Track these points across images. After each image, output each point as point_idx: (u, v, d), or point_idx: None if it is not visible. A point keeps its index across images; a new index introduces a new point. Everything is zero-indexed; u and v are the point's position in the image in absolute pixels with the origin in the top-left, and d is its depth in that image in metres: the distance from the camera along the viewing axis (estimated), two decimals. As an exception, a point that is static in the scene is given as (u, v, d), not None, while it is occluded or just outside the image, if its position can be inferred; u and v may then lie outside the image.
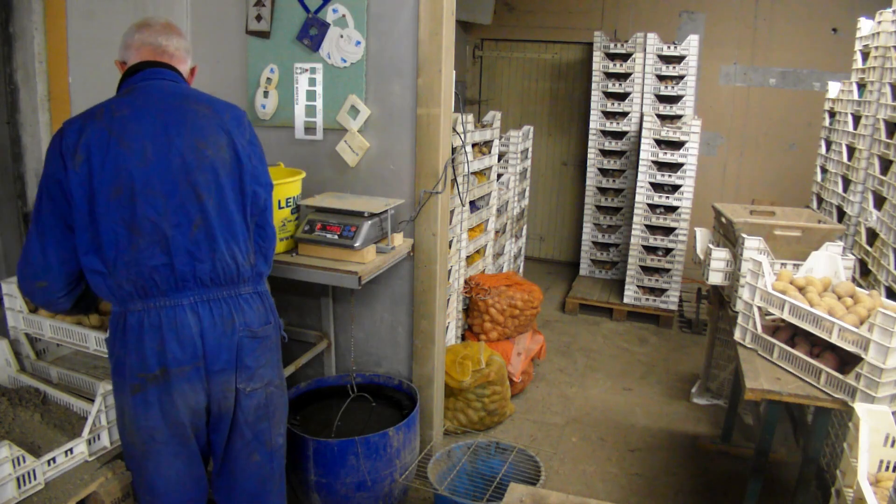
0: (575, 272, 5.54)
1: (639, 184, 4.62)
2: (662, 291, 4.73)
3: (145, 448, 1.67)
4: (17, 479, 1.78)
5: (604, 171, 5.19)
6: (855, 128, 2.91)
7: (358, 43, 2.60)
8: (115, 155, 1.54)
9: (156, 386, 1.61)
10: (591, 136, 5.13)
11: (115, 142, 1.55)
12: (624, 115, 5.01)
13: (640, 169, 4.60)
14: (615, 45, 4.93)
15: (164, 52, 1.71)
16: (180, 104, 1.62)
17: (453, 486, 2.45)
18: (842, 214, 2.93)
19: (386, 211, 2.45)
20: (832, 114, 3.33)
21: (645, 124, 4.55)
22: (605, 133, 5.11)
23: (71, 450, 1.95)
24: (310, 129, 2.74)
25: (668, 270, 4.67)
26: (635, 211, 4.66)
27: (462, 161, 3.16)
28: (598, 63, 5.00)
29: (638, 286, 4.78)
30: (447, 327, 3.19)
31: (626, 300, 4.81)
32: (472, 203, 3.67)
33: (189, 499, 1.76)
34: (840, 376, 1.91)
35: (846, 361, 1.97)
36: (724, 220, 2.70)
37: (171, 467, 1.70)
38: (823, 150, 3.37)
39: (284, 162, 2.74)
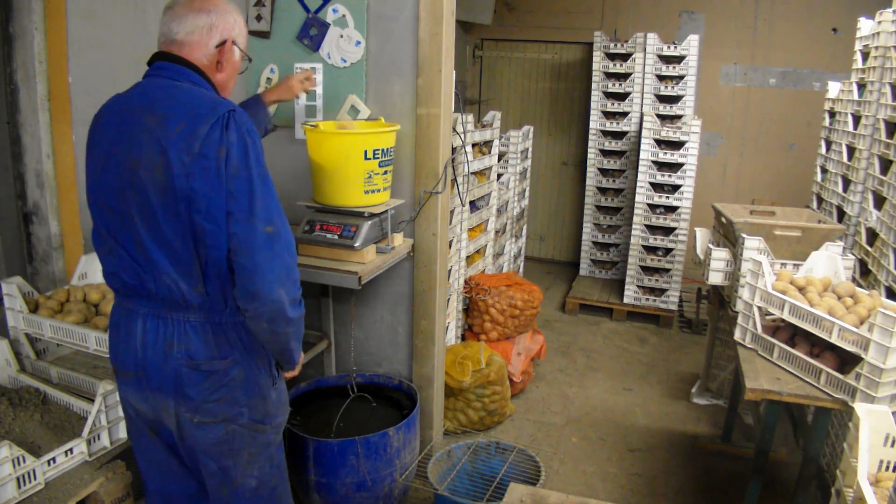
0: (575, 272, 5.54)
1: (639, 184, 4.62)
2: (662, 291, 4.73)
3: (128, 423, 1.76)
4: (17, 479, 1.78)
5: (604, 171, 5.18)
6: (855, 128, 2.91)
7: (358, 43, 2.59)
8: (87, 162, 1.59)
9: (118, 378, 1.67)
10: (591, 136, 5.13)
11: (88, 149, 1.59)
12: (624, 115, 5.01)
13: (640, 169, 4.60)
14: (615, 45, 4.92)
15: (174, 42, 1.57)
16: (141, 113, 1.49)
17: (453, 486, 2.44)
18: (842, 214, 2.93)
19: (386, 211, 2.45)
20: (832, 114, 3.33)
21: (645, 124, 4.55)
22: (605, 133, 5.11)
23: (71, 450, 1.95)
24: (310, 129, 2.74)
25: (668, 270, 4.67)
26: (635, 211, 4.66)
27: (462, 161, 3.16)
28: (598, 63, 5.00)
29: (638, 286, 4.78)
30: (447, 327, 3.19)
31: (626, 300, 4.81)
32: (472, 203, 3.67)
33: (170, 491, 1.76)
34: (840, 376, 1.91)
35: (846, 361, 1.97)
36: (724, 220, 2.70)
37: (149, 450, 1.73)
38: (823, 150, 3.36)
39: (284, 162, 2.74)
